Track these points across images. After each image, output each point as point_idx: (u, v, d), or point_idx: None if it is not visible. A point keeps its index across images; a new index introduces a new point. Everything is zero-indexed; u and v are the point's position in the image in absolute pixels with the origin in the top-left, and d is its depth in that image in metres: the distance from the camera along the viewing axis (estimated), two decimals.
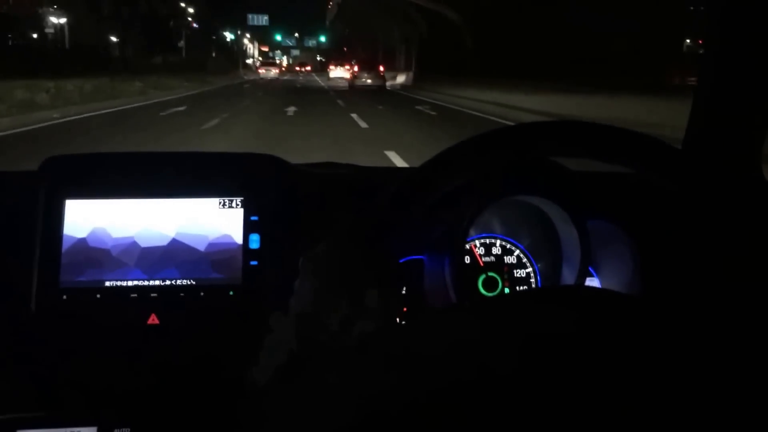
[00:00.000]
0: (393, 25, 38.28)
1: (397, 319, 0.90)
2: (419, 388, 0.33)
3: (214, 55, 67.60)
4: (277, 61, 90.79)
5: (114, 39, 46.58)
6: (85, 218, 0.84)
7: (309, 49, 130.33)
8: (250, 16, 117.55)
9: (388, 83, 27.98)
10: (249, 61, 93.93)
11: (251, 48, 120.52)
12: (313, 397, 0.39)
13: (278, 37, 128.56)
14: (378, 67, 27.12)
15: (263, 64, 65.97)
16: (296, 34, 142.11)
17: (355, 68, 27.36)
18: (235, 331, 0.83)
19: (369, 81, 25.76)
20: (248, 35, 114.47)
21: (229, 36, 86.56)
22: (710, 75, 0.89)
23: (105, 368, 0.81)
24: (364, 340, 0.45)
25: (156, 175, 0.88)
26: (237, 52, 69.61)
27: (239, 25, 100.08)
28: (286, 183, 0.91)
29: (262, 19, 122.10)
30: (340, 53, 62.26)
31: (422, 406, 0.32)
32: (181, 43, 57.01)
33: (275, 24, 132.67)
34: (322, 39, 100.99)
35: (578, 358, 0.33)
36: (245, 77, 45.71)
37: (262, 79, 43.83)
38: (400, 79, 30.51)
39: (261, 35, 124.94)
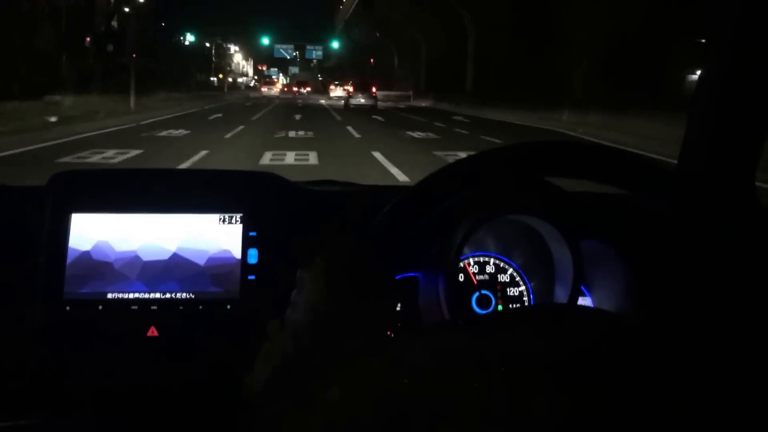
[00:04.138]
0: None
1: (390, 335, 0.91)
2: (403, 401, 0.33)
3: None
4: (275, 79, 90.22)
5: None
6: (90, 232, 0.86)
7: (309, 67, 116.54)
8: None
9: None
10: (242, 80, 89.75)
11: (245, 66, 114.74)
12: (304, 409, 0.39)
13: (265, 40, 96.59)
14: (371, 88, 29.30)
15: (265, 83, 68.34)
16: (295, 52, 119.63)
17: (350, 89, 29.12)
18: (232, 344, 0.84)
19: (362, 101, 27.88)
20: (236, 47, 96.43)
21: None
22: (705, 94, 0.90)
23: (106, 378, 0.82)
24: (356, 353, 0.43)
25: (159, 191, 0.90)
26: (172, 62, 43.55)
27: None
28: (285, 200, 0.93)
29: None
30: (358, 72, 60.68)
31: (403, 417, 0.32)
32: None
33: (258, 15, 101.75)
34: (335, 45, 72.94)
35: (567, 378, 0.32)
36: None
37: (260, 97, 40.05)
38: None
39: (257, 51, 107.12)
